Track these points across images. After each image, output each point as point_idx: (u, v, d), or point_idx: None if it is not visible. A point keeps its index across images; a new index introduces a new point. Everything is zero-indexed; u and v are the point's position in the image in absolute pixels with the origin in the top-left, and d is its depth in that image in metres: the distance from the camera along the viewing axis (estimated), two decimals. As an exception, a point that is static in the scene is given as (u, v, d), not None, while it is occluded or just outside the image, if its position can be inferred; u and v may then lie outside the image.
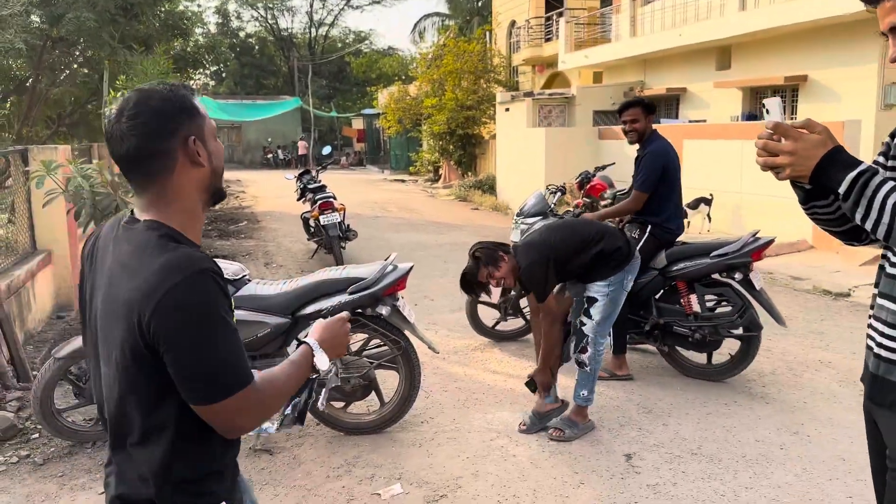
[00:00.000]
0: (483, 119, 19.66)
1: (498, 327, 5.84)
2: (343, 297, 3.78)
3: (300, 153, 33.28)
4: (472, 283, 3.80)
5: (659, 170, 4.61)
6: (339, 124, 39.24)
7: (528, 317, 5.73)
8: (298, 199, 10.03)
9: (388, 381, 4.40)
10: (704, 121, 13.84)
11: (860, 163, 1.48)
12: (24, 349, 5.41)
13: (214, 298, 1.32)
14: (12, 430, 4.02)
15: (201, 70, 15.61)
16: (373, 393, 4.06)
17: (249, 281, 3.95)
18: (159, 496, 1.38)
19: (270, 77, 44.83)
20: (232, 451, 1.48)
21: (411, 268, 3.99)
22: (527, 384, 4.07)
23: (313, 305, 3.80)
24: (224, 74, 45.26)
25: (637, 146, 4.83)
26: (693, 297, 4.76)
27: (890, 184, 1.45)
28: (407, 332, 3.99)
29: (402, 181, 24.20)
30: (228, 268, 3.87)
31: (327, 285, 3.79)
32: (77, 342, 3.88)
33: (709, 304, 4.75)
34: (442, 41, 22.16)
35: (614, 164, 12.07)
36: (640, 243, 4.71)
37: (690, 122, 13.99)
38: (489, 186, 17.09)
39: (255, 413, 1.38)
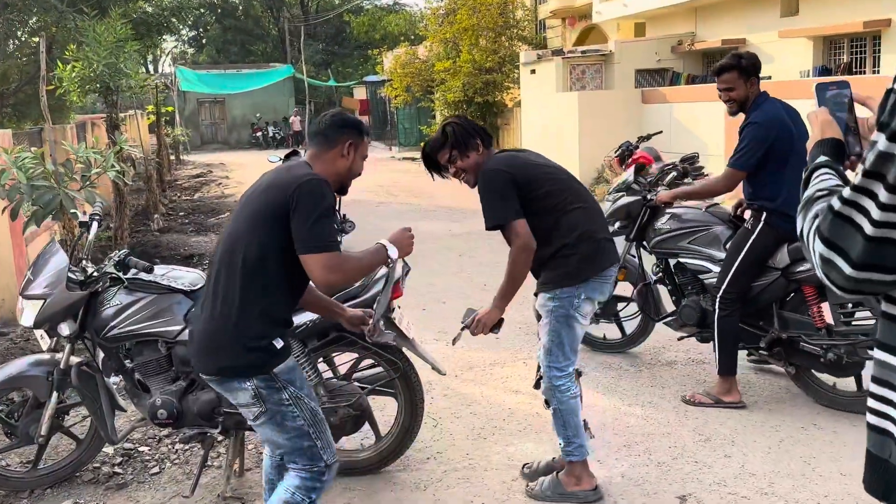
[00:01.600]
0: (505, 84, 19.45)
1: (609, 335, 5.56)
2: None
3: (294, 130, 33.18)
4: (431, 160, 3.55)
5: (762, 142, 4.22)
6: (339, 95, 39.11)
7: (624, 325, 5.45)
8: (285, 186, 9.84)
9: (386, 408, 4.21)
10: (768, 77, 13.44)
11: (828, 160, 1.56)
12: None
13: (328, 197, 2.58)
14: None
15: (170, 36, 15.46)
16: (366, 425, 3.86)
17: (210, 292, 3.78)
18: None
19: (258, 42, 44.80)
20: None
21: (408, 271, 3.78)
22: (535, 386, 3.74)
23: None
24: (204, 41, 45.32)
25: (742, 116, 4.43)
26: (825, 306, 4.39)
27: (824, 184, 1.49)
28: (406, 350, 3.78)
29: (413, 159, 24.00)
30: (185, 276, 3.69)
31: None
32: (10, 369, 3.72)
33: (845, 315, 4.35)
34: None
35: (661, 132, 11.76)
36: (755, 235, 4.36)
37: (752, 79, 13.58)
38: (514, 163, 16.85)
39: (338, 271, 2.56)
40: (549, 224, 3.35)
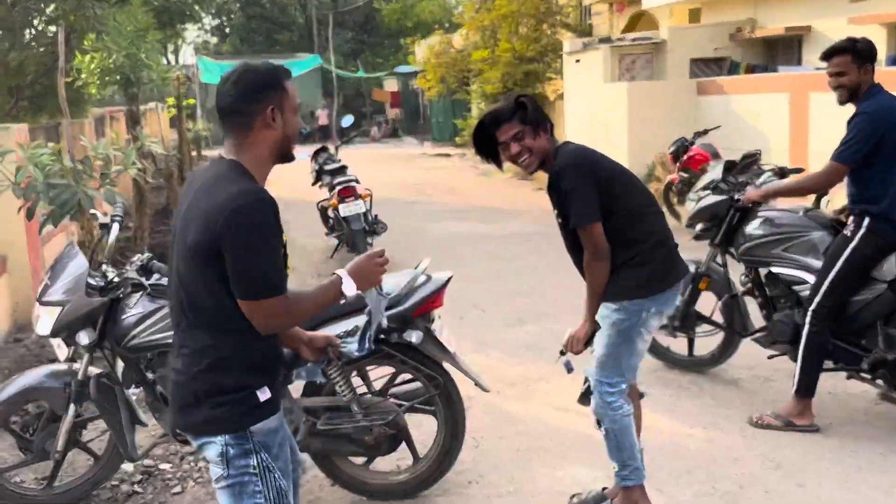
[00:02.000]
0: (548, 74, 19.30)
1: (674, 348, 5.34)
2: (359, 319, 3.53)
3: (320, 124, 33.37)
4: (487, 136, 3.30)
5: (871, 135, 4.08)
6: (369, 86, 39.23)
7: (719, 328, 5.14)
8: (314, 184, 9.88)
9: (424, 426, 4.15)
10: (837, 67, 13.13)
11: None
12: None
13: (268, 222, 2.23)
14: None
15: (193, 24, 15.62)
16: (403, 445, 3.81)
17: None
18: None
19: (283, 31, 45.12)
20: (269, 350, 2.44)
21: (450, 278, 3.73)
22: (581, 400, 3.60)
23: (320, 330, 3.55)
24: (228, 30, 45.78)
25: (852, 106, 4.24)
26: None
27: None
28: (446, 364, 3.72)
29: (447, 155, 24.00)
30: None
31: (334, 308, 3.52)
32: (25, 379, 3.74)
33: None
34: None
35: (719, 127, 11.57)
36: (855, 242, 4.18)
37: (817, 70, 13.30)
38: (556, 160, 16.73)
39: (283, 317, 2.33)
40: (623, 226, 3.26)
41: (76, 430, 3.83)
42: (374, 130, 34.84)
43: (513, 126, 3.24)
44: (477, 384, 3.75)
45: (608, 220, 3.21)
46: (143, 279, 3.58)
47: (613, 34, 19.34)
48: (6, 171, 5.28)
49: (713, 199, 4.94)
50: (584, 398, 3.53)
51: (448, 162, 22.48)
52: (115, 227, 3.81)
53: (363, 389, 3.84)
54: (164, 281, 3.58)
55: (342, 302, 2.43)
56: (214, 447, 2.32)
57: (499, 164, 3.42)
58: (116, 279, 3.61)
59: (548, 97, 19.78)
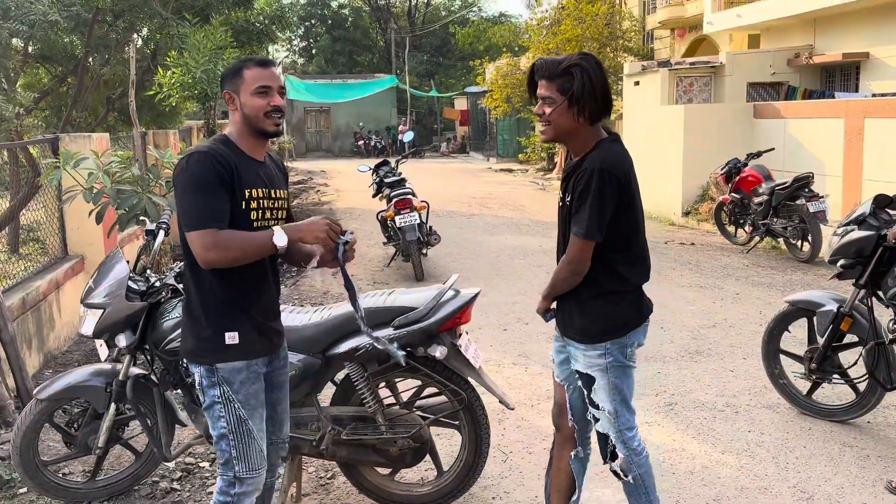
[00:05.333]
0: (608, 96, 18.94)
1: (815, 395, 4.67)
2: (386, 332, 3.35)
3: (401, 140, 33.47)
4: (533, 77, 2.81)
5: None
6: (440, 105, 39.28)
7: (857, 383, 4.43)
8: (374, 196, 9.77)
9: (454, 439, 3.94)
10: (894, 94, 12.44)
11: None
12: (37, 375, 5.37)
13: (197, 170, 2.48)
14: (-2, 481, 3.88)
15: (273, 45, 15.77)
16: (428, 457, 3.60)
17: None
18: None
19: (365, 53, 45.59)
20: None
21: (477, 294, 3.51)
22: (609, 459, 3.03)
23: (348, 342, 3.41)
24: (314, 50, 46.49)
25: None
26: None
27: None
28: (472, 380, 3.50)
29: (510, 171, 23.80)
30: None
31: (367, 316, 3.36)
32: (70, 378, 3.67)
33: None
34: (560, 2, 21.46)
35: (773, 149, 11.06)
36: None
37: (874, 95, 12.61)
38: (613, 178, 16.38)
39: (214, 249, 2.46)
40: (615, 258, 2.80)
41: (118, 428, 3.75)
42: (443, 146, 34.80)
43: (550, 88, 2.72)
44: (501, 401, 3.52)
45: (605, 243, 2.75)
46: (179, 285, 3.47)
47: (674, 58, 18.84)
48: (81, 177, 5.30)
49: (859, 234, 4.22)
50: (613, 456, 3.06)
51: (511, 177, 22.24)
52: (161, 234, 3.72)
53: (392, 401, 3.66)
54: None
55: (280, 246, 2.49)
56: (196, 375, 2.68)
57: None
58: (157, 284, 3.52)
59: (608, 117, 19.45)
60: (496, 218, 13.54)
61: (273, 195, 2.67)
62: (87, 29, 9.03)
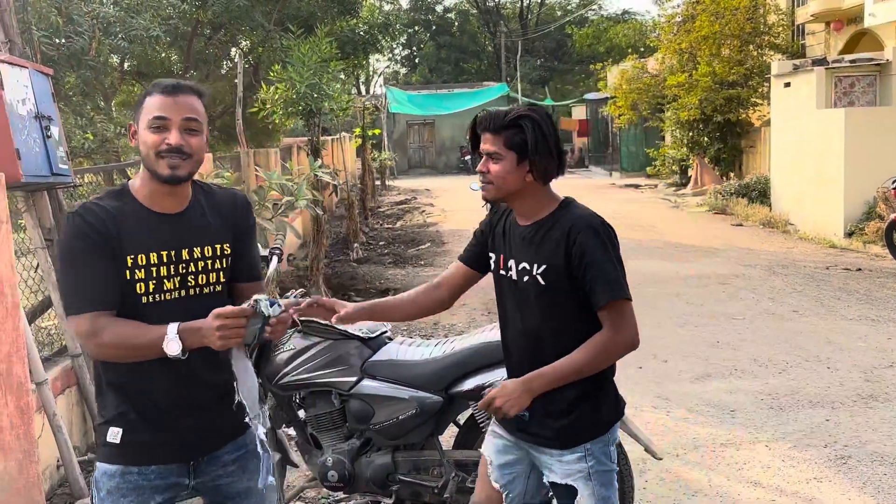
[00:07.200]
0: (752, 99, 18.63)
1: None
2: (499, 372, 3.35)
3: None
4: (476, 131, 2.61)
5: None
6: (556, 114, 39.25)
7: None
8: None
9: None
10: None
11: None
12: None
13: (71, 241, 2.21)
14: None
15: (379, 55, 16.24)
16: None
17: (390, 340, 3.70)
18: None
19: (472, 60, 46.25)
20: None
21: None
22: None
23: (473, 379, 3.46)
24: (417, 59, 47.51)
25: None
26: None
27: None
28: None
29: (636, 187, 23.49)
30: (365, 323, 3.64)
31: (492, 350, 3.39)
32: None
33: None
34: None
35: (955, 159, 10.47)
36: None
37: None
38: (759, 193, 16.24)
39: (88, 338, 2.17)
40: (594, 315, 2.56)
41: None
42: (560, 160, 34.61)
43: (496, 142, 2.54)
44: (647, 450, 3.46)
45: (585, 312, 2.56)
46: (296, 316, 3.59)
47: (829, 55, 18.18)
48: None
49: None
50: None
51: (638, 193, 21.93)
52: (275, 260, 3.86)
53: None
54: (318, 318, 3.58)
55: (172, 355, 2.08)
56: None
57: (475, 165, 2.74)
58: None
59: (752, 123, 18.93)
60: (624, 240, 13.23)
61: (185, 257, 2.26)
62: (187, 43, 9.55)
